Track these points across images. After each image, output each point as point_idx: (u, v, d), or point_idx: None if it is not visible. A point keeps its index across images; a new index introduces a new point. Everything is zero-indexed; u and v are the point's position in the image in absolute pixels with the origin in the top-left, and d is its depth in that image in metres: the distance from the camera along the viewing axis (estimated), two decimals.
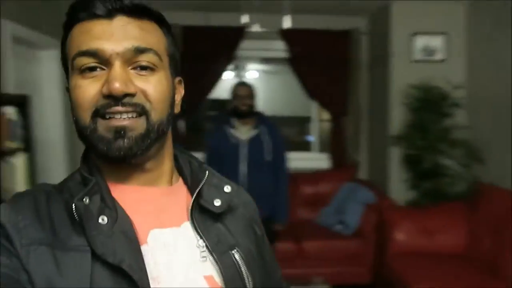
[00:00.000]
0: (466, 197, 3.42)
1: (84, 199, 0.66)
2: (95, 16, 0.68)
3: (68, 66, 0.72)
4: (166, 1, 3.91)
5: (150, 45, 0.70)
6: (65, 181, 0.74)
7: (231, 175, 3.18)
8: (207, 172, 0.81)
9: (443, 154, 3.52)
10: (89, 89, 0.67)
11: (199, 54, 4.21)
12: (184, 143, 4.31)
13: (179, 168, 0.83)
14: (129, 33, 0.69)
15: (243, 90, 3.14)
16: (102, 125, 0.68)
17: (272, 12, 3.79)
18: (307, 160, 4.68)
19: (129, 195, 0.73)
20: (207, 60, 4.25)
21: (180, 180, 0.82)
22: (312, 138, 5.08)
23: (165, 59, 0.74)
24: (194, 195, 0.77)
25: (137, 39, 0.69)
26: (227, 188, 0.81)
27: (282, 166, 3.14)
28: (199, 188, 0.77)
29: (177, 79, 0.81)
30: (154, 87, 0.70)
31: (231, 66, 4.83)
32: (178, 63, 0.79)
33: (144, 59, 0.69)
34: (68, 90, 0.73)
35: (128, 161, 0.70)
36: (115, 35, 0.68)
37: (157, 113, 0.70)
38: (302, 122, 6.31)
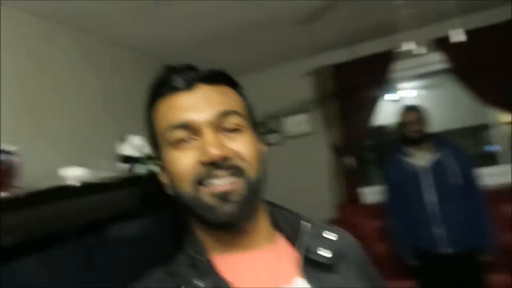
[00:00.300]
0: None
1: (197, 282, 0.67)
2: (176, 89, 0.73)
3: (156, 141, 0.76)
4: (311, 45, 4.12)
5: (233, 108, 0.73)
6: (172, 264, 0.76)
7: (417, 207, 2.98)
8: (306, 222, 0.79)
9: None
10: (187, 159, 0.69)
11: (352, 88, 4.18)
12: (356, 179, 4.24)
13: (275, 223, 0.82)
14: (212, 100, 0.72)
15: (410, 115, 2.96)
16: (205, 193, 0.68)
17: (422, 25, 3.57)
18: (495, 176, 4.06)
19: (237, 265, 0.73)
20: (361, 93, 4.18)
21: (280, 236, 0.81)
22: (496, 147, 4.46)
23: (247, 119, 0.76)
24: (302, 250, 0.75)
25: (220, 104, 0.72)
26: (332, 236, 0.79)
27: (476, 188, 2.80)
28: (302, 241, 0.76)
29: (259, 136, 0.81)
30: (245, 146, 0.72)
31: (386, 91, 4.65)
32: (256, 122, 0.81)
33: (231, 121, 0.72)
34: (159, 165, 0.77)
35: (235, 226, 0.71)
36: (200, 104, 0.71)
37: (254, 171, 0.71)
38: (477, 131, 5.63)
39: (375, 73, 4.13)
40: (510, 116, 4.00)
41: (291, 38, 3.77)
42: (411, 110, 3.00)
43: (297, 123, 4.57)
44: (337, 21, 3.42)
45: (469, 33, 3.74)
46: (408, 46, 3.68)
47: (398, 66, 4.13)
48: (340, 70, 4.24)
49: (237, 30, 3.30)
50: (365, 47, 4.18)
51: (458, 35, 2.53)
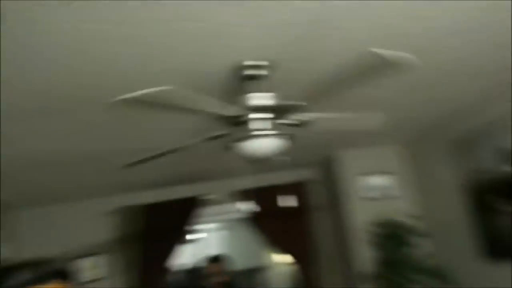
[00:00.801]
0: None
1: None
2: None
3: None
4: (115, 183, 3.98)
5: None
6: None
7: None
8: None
9: (420, 285, 3.51)
10: None
11: (156, 230, 4.14)
12: None
13: None
14: None
15: (213, 267, 3.03)
16: None
17: (223, 177, 3.94)
18: None
19: None
20: (164, 235, 4.17)
21: None
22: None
23: None
24: None
25: None
26: None
27: None
28: None
29: None
30: None
31: (189, 234, 4.76)
32: None
33: None
34: None
35: None
36: None
37: None
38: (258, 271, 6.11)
39: (178, 216, 4.23)
40: (287, 258, 4.54)
41: (91, 174, 3.59)
42: (214, 261, 3.08)
43: (91, 266, 4.12)
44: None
45: (261, 189, 4.36)
46: (212, 194, 3.98)
47: (202, 211, 4.34)
48: (144, 211, 4.18)
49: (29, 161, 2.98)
50: (172, 191, 4.29)
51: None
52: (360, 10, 1.64)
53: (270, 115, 1.86)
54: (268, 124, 1.84)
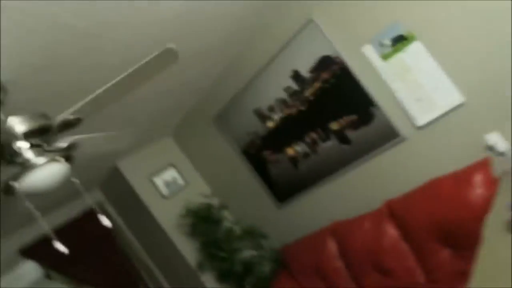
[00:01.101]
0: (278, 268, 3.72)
1: None
2: None
3: None
4: None
5: None
6: None
7: None
8: None
9: (242, 251, 3.85)
10: None
11: None
12: None
13: None
14: None
15: None
16: None
17: None
18: None
19: None
20: None
21: None
22: None
23: None
24: None
25: None
26: None
27: None
28: None
29: None
30: None
31: None
32: None
33: None
34: None
35: None
36: None
37: None
38: None
39: None
40: None
41: None
42: None
43: None
44: None
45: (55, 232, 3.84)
46: None
47: None
48: None
49: None
50: None
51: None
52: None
53: (37, 141, 1.70)
54: (39, 151, 1.69)
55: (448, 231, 2.47)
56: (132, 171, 4.03)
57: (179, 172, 4.21)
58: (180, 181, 4.19)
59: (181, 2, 1.96)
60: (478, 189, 2.36)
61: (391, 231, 2.81)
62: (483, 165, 2.38)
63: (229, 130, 3.71)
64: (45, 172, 1.66)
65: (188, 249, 3.98)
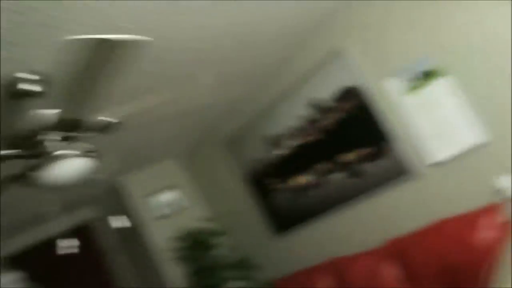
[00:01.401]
0: None
1: None
2: None
3: None
4: None
5: None
6: None
7: None
8: None
9: (231, 281, 3.71)
10: None
11: None
12: None
13: None
14: None
15: None
16: None
17: None
18: None
19: None
20: None
21: None
22: None
23: None
24: None
25: None
26: None
27: None
28: None
29: None
30: None
31: None
32: None
33: None
34: None
35: None
36: None
37: None
38: None
39: None
40: None
41: None
42: None
43: None
44: None
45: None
46: None
47: None
48: None
49: None
50: None
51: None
52: None
53: (65, 134, 1.69)
54: (65, 145, 1.67)
55: (452, 273, 2.43)
56: (131, 188, 3.99)
57: (181, 194, 4.16)
58: (181, 203, 4.13)
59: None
60: (483, 233, 2.31)
61: (394, 271, 2.77)
62: (491, 208, 2.34)
63: (238, 155, 3.70)
64: (70, 165, 1.65)
65: (176, 274, 3.85)
